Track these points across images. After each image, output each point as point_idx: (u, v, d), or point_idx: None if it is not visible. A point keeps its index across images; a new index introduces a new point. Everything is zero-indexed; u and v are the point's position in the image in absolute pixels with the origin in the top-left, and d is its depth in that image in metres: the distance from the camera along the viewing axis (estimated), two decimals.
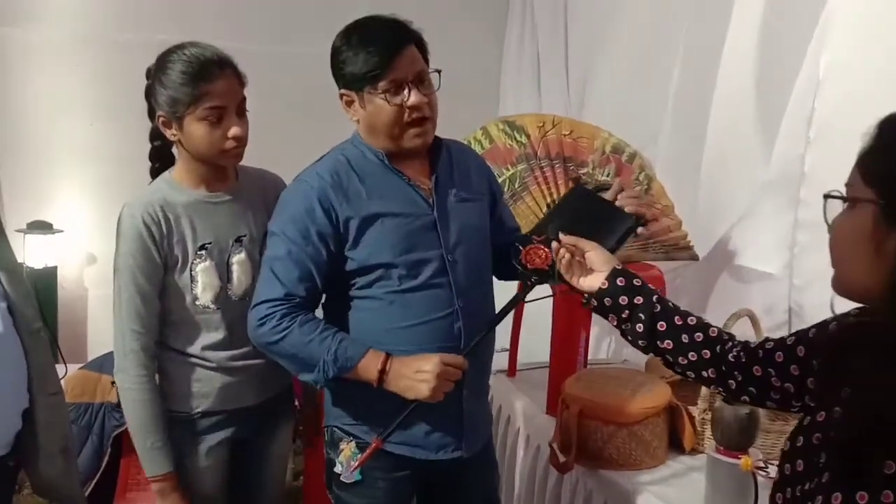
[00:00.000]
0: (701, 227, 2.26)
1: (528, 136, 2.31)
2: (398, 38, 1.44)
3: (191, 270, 1.56)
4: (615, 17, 2.63)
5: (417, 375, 1.40)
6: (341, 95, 1.50)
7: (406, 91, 1.43)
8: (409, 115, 1.45)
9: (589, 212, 1.46)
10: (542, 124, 2.33)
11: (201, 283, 1.56)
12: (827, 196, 0.90)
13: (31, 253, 2.97)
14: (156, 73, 1.54)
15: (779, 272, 2.00)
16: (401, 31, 1.46)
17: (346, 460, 1.52)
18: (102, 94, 2.96)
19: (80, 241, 3.12)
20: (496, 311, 1.55)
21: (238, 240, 1.60)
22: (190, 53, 1.51)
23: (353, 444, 1.52)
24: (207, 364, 1.59)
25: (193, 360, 1.59)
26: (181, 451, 1.59)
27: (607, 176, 2.28)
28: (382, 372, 1.41)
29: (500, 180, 2.24)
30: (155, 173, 1.64)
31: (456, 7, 3.27)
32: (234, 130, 1.52)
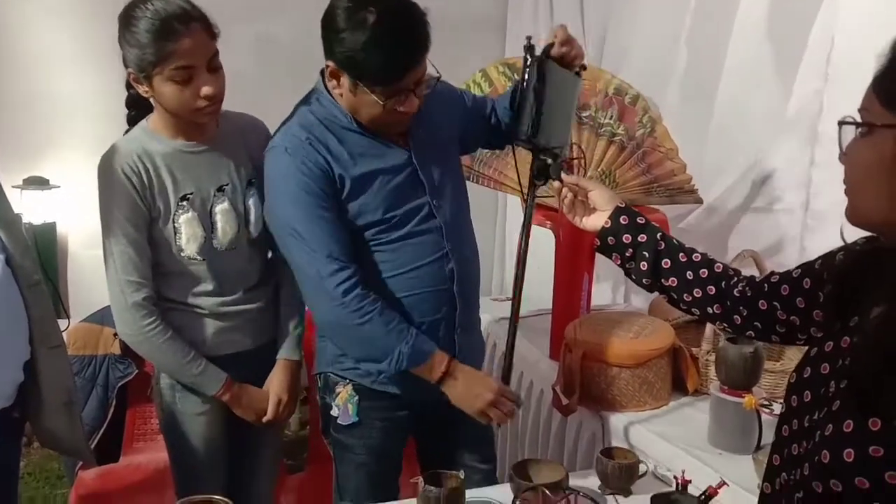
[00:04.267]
0: (712, 167, 2.22)
1: None
2: (416, 52, 1.36)
3: (173, 222, 1.52)
4: None
5: (475, 395, 1.48)
6: (327, 65, 1.41)
7: (403, 96, 1.39)
8: (398, 115, 1.42)
9: (557, 94, 1.46)
10: None
11: (185, 235, 1.53)
12: (842, 123, 0.86)
13: (29, 209, 2.95)
14: (121, 28, 1.46)
15: (794, 211, 1.98)
16: (420, 43, 1.36)
17: (343, 403, 1.54)
18: (95, 46, 2.89)
19: (79, 197, 3.09)
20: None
21: (220, 189, 1.56)
22: (153, 8, 1.41)
23: (349, 386, 1.55)
24: (199, 311, 1.59)
25: (184, 307, 1.58)
26: (177, 395, 1.61)
27: (610, 118, 2.24)
28: (446, 374, 1.47)
29: None
30: (132, 121, 1.58)
31: None
32: (205, 90, 1.44)
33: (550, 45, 1.43)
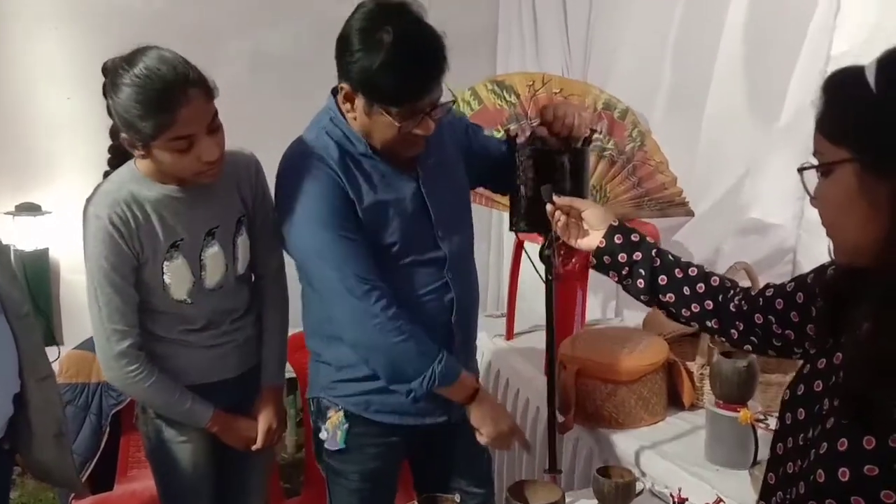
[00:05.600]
0: (703, 180, 2.22)
1: (517, 96, 2.27)
2: (433, 74, 1.33)
3: (162, 267, 1.49)
4: None
5: (500, 418, 1.51)
6: (341, 87, 1.38)
7: (418, 119, 1.35)
8: (412, 138, 1.39)
9: (549, 168, 1.42)
10: (531, 83, 2.29)
11: (174, 281, 1.51)
12: (801, 169, 0.88)
13: (22, 235, 2.94)
14: (109, 88, 1.37)
15: (787, 223, 1.98)
16: (438, 66, 1.33)
17: (333, 428, 1.53)
18: (89, 71, 2.89)
19: (71, 223, 3.07)
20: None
21: (210, 233, 1.53)
22: (147, 74, 1.32)
23: (340, 412, 1.53)
24: (187, 344, 1.58)
25: (171, 341, 1.57)
26: (162, 423, 1.60)
27: (600, 133, 2.24)
28: (476, 392, 1.49)
29: None
30: (113, 166, 1.53)
31: None
32: (207, 155, 1.39)
33: (532, 134, 1.42)
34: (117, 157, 1.53)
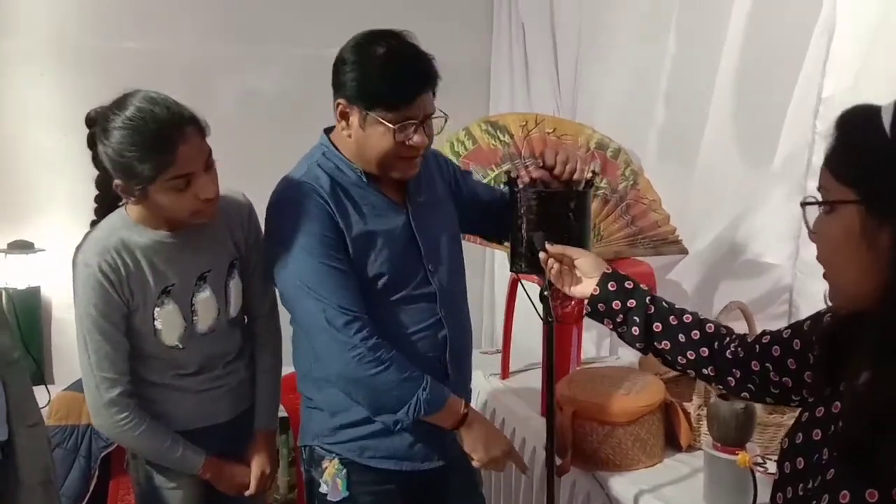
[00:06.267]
0: (697, 219, 2.23)
1: (511, 136, 2.29)
2: (425, 77, 1.38)
3: (153, 314, 1.48)
4: (604, 11, 2.60)
5: (493, 442, 1.48)
6: (337, 104, 1.41)
7: (412, 130, 1.38)
8: (406, 151, 1.41)
9: (554, 211, 1.41)
10: (524, 123, 2.31)
11: (165, 327, 1.50)
12: (804, 203, 0.88)
13: (14, 273, 2.92)
14: (100, 135, 1.36)
15: (783, 263, 1.98)
16: (429, 70, 1.39)
17: (332, 478, 1.50)
18: (80, 108, 2.91)
19: (64, 260, 3.06)
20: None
21: (202, 277, 1.52)
22: (138, 116, 1.32)
23: (335, 460, 1.50)
24: (179, 389, 1.56)
25: (164, 387, 1.55)
26: (153, 469, 1.58)
27: (592, 171, 2.26)
28: (465, 417, 1.45)
29: (485, 181, 2.22)
30: (100, 213, 1.52)
31: (442, 6, 3.23)
32: (205, 192, 1.39)
33: (532, 178, 1.43)
34: (104, 207, 1.51)
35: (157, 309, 1.48)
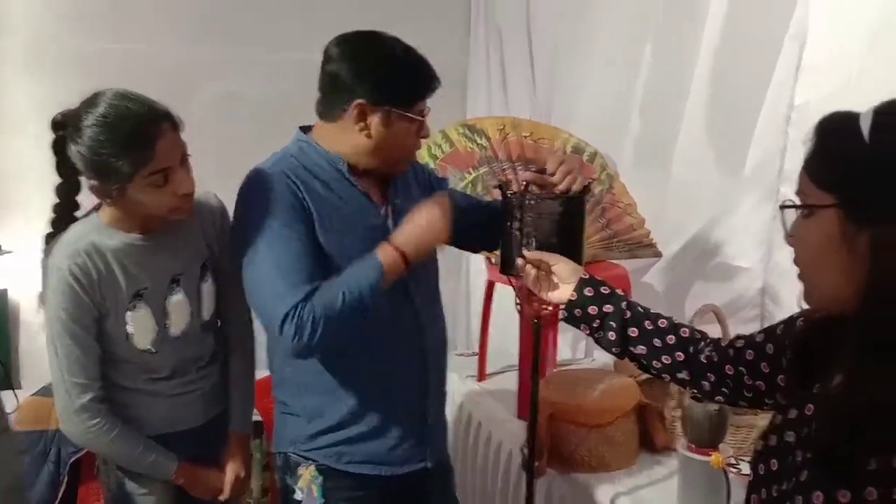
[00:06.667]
0: (672, 223, 2.25)
1: (488, 139, 2.29)
2: (434, 71, 1.43)
3: (125, 318, 1.46)
4: (580, 18, 2.62)
5: (432, 224, 1.38)
6: (357, 105, 1.38)
7: (421, 122, 1.43)
8: (418, 145, 1.45)
9: (548, 217, 1.40)
10: (501, 127, 2.31)
11: (137, 331, 1.48)
12: (783, 206, 0.90)
13: None
14: (72, 136, 1.33)
15: (754, 266, 2.01)
16: (431, 66, 1.44)
17: (307, 486, 1.48)
18: (48, 108, 2.86)
19: (31, 263, 3.00)
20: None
21: (174, 280, 1.51)
22: (113, 113, 1.30)
23: (311, 467, 1.48)
24: (152, 394, 1.54)
25: (136, 392, 1.53)
26: (124, 475, 1.55)
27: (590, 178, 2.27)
28: (401, 252, 1.35)
29: (462, 184, 2.22)
30: (57, 225, 1.47)
31: (420, 11, 3.23)
32: (183, 187, 1.38)
33: (525, 184, 1.42)
34: (62, 217, 1.47)
35: (129, 313, 1.46)
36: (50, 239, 1.47)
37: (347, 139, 1.42)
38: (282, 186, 1.37)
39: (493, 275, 2.32)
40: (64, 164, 1.39)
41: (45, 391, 2.23)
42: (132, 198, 1.37)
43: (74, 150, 1.34)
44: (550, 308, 1.32)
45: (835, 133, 0.85)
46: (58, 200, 1.47)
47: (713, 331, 1.64)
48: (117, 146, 1.31)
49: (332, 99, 1.41)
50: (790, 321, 1.04)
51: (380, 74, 1.38)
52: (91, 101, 1.34)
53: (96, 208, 1.47)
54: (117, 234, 1.44)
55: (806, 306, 0.97)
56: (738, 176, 2.01)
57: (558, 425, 1.82)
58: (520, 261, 1.30)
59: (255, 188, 1.40)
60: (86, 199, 1.50)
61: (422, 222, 1.39)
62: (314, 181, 1.41)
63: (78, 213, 1.49)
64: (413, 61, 1.41)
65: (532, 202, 1.36)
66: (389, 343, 1.46)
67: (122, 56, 2.89)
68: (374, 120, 1.39)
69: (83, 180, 1.42)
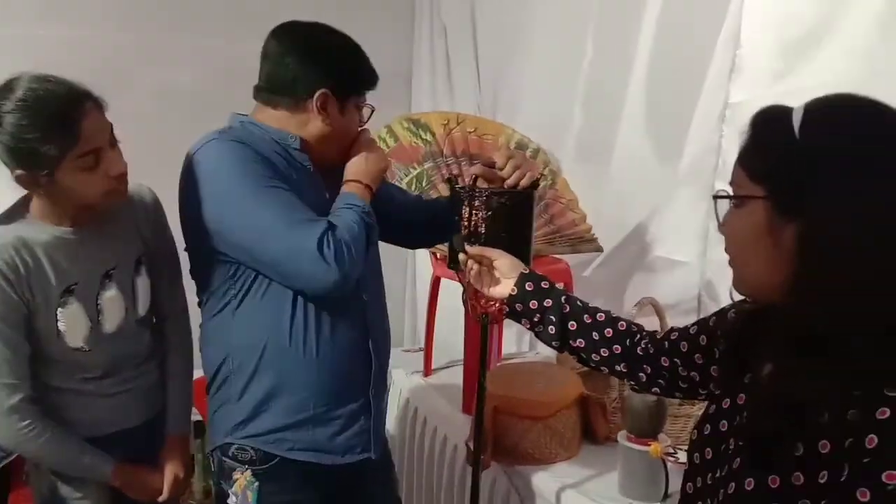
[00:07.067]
0: (612, 218, 2.30)
1: (433, 134, 2.29)
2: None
3: (56, 314, 1.41)
4: (523, 14, 2.64)
5: (370, 156, 1.46)
6: (321, 94, 1.38)
7: (362, 111, 1.48)
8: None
9: (497, 211, 1.40)
10: (446, 122, 2.32)
11: (69, 328, 1.42)
12: (716, 196, 0.92)
13: None
14: None
15: (692, 261, 2.06)
16: None
17: (242, 490, 1.44)
18: None
19: None
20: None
21: (107, 275, 1.46)
22: (32, 97, 1.24)
23: (248, 472, 1.44)
24: (86, 393, 1.49)
25: (69, 392, 1.48)
26: (56, 479, 1.50)
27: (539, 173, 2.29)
28: (363, 182, 1.43)
29: (406, 179, 2.21)
30: None
31: (364, 5, 3.20)
32: (114, 168, 1.34)
33: (475, 179, 1.42)
34: None
35: (59, 309, 1.41)
36: None
37: (302, 127, 1.42)
38: (247, 152, 1.35)
39: (439, 270, 2.32)
40: None
41: None
42: (63, 184, 1.32)
43: None
44: (497, 304, 1.32)
45: (768, 126, 0.87)
46: None
47: (652, 323, 1.69)
48: (41, 129, 1.25)
49: (288, 88, 1.39)
50: (722, 313, 1.08)
51: (342, 65, 1.41)
52: (6, 87, 1.28)
53: (24, 201, 1.42)
54: (46, 227, 1.39)
55: (739, 298, 1.00)
56: (675, 172, 2.06)
57: (502, 418, 1.84)
58: (462, 256, 1.31)
59: (222, 160, 1.35)
60: (14, 193, 1.43)
61: (361, 158, 1.45)
62: (269, 151, 1.39)
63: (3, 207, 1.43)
64: (361, 52, 1.44)
65: (481, 197, 1.36)
66: (335, 332, 1.43)
67: (52, 42, 2.78)
68: (331, 109, 1.41)
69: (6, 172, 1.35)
